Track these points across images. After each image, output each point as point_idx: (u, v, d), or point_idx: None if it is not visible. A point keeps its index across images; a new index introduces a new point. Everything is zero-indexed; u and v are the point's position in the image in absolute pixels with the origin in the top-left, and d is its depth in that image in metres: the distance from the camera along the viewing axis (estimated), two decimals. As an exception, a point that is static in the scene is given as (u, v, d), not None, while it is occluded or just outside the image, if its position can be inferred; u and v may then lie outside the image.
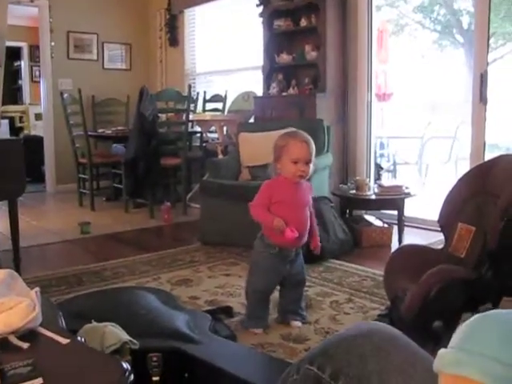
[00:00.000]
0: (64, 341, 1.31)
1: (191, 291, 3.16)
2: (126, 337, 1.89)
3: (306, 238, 2.59)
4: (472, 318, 0.78)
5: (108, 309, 2.28)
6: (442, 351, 0.77)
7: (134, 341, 1.88)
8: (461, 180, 2.78)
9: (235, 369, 1.87)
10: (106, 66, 7.56)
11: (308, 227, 2.58)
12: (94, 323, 1.94)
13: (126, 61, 7.74)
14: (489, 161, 2.77)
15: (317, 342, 2.39)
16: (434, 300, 2.24)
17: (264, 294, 2.63)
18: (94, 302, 2.48)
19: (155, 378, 1.76)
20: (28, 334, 1.34)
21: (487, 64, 4.27)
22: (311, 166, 2.48)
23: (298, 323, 2.62)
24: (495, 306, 2.34)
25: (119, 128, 6.51)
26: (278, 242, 2.52)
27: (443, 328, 2.41)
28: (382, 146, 7.11)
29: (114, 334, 1.88)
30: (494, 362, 0.70)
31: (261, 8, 5.75)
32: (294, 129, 2.74)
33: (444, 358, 0.76)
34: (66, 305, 2.50)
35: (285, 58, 5.45)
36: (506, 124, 8.24)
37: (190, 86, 5.64)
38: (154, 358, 1.80)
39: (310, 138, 2.51)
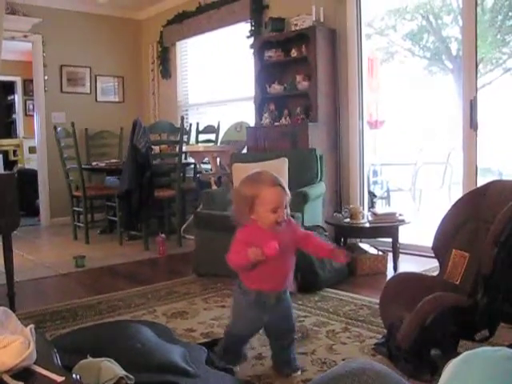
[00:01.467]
0: (59, 378, 1.31)
1: (187, 323, 3.14)
2: (121, 372, 1.88)
3: (288, 284, 2.37)
4: (458, 358, 0.79)
5: (103, 343, 2.26)
6: None
7: (130, 376, 1.88)
8: (453, 206, 2.80)
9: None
10: (99, 99, 7.62)
11: (291, 271, 2.36)
12: (90, 358, 1.94)
13: (118, 93, 7.81)
14: (480, 187, 2.79)
15: (314, 373, 2.38)
16: (430, 328, 2.24)
17: (240, 340, 2.46)
18: (89, 336, 2.47)
19: (152, 413, 1.75)
20: (22, 373, 1.33)
21: (476, 90, 4.32)
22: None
23: (294, 374, 2.40)
24: (492, 332, 2.34)
25: (113, 160, 6.54)
26: (253, 288, 2.29)
27: (441, 356, 2.41)
28: (375, 173, 7.15)
29: (110, 369, 1.87)
30: None
31: (251, 39, 5.84)
32: (256, 170, 2.31)
33: None
34: (61, 340, 2.49)
35: (276, 88, 5.50)
36: (497, 148, 8.31)
37: (182, 118, 5.68)
38: (150, 393, 1.79)
39: (276, 175, 2.24)
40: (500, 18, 9.53)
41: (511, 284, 2.28)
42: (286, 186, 2.21)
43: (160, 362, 2.14)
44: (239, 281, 2.39)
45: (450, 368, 0.79)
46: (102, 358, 1.90)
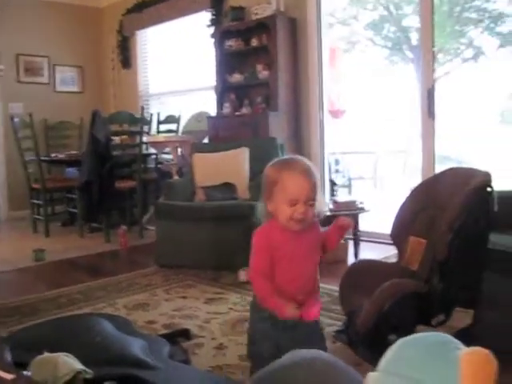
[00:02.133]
0: (9, 376, 1.28)
1: (148, 315, 3.12)
2: (79, 366, 1.85)
3: (314, 306, 1.93)
4: (396, 343, 0.81)
5: (61, 338, 2.23)
6: (369, 374, 0.80)
7: (88, 370, 1.85)
8: (411, 194, 2.83)
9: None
10: (57, 89, 7.49)
11: (316, 286, 1.97)
12: (46, 354, 1.90)
13: (78, 83, 7.68)
14: (437, 174, 2.83)
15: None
16: (388, 314, 2.26)
17: (266, 362, 1.80)
18: (46, 331, 2.42)
19: (110, 407, 1.73)
20: (-28, 371, 1.30)
21: (433, 80, 4.37)
22: (316, 204, 1.83)
23: None
24: (448, 317, 2.38)
25: (72, 152, 6.43)
26: (270, 309, 1.89)
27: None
28: (337, 162, 7.19)
29: (67, 364, 1.85)
30: (410, 381, 0.73)
31: (212, 29, 5.80)
32: (290, 155, 1.98)
33: (370, 381, 0.78)
34: (18, 336, 2.45)
35: (237, 77, 5.49)
36: (456, 136, 8.45)
37: (142, 108, 5.63)
38: (109, 387, 1.77)
39: (311, 166, 1.85)
40: (458, 9, 9.67)
41: (466, 270, 2.32)
42: (317, 180, 1.83)
43: (120, 355, 2.12)
44: (254, 296, 2.01)
45: (387, 353, 0.81)
46: (59, 353, 1.87)
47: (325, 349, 1.87)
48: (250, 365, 2.05)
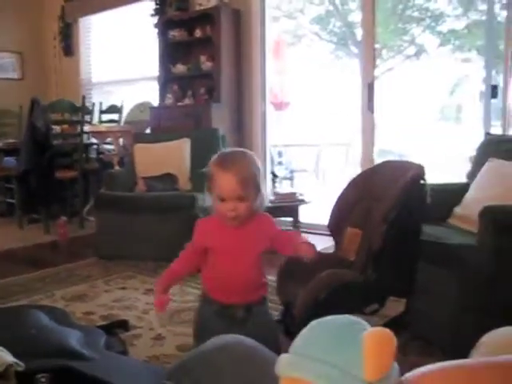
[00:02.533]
0: None
1: (86, 307, 3.09)
2: (10, 359, 1.82)
3: (253, 294, 1.97)
4: (307, 326, 0.85)
5: (-7, 330, 2.19)
6: (281, 356, 0.82)
7: (20, 362, 1.82)
8: (348, 186, 2.89)
9: (126, 383, 1.86)
10: (-5, 76, 7.26)
11: (256, 279, 1.99)
12: (-23, 347, 1.86)
13: (17, 70, 7.47)
14: (373, 167, 2.91)
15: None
16: (323, 304, 2.31)
17: None
18: (-23, 323, 2.37)
19: (44, 399, 1.71)
20: None
21: (373, 75, 4.46)
22: (251, 198, 1.81)
23: None
24: (381, 306, 2.45)
25: (10, 140, 6.26)
26: (216, 297, 1.93)
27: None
28: (280, 154, 7.25)
29: (-2, 357, 1.81)
30: (319, 363, 0.76)
31: (156, 18, 5.75)
32: (231, 149, 2.02)
33: (281, 363, 0.81)
34: None
35: (180, 68, 5.46)
36: (398, 131, 8.64)
37: (83, 97, 5.53)
38: (42, 379, 1.75)
39: (245, 161, 1.83)
40: (401, 7, 9.85)
41: (400, 260, 2.38)
42: (249, 175, 1.79)
43: (54, 346, 2.10)
44: (202, 287, 2.00)
45: (299, 336, 0.85)
46: (-10, 346, 1.83)
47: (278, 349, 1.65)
48: None
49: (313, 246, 1.89)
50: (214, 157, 1.86)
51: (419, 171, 2.31)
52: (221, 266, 1.88)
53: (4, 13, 7.23)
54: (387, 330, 0.82)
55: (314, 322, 0.87)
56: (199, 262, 1.94)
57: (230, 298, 1.90)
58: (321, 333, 0.84)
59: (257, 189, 1.83)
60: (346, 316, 0.89)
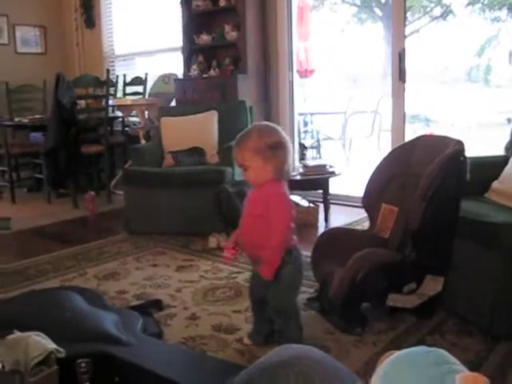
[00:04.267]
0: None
1: (119, 285, 3.09)
2: (51, 346, 1.81)
3: (257, 251, 2.11)
4: (389, 358, 0.79)
5: (31, 315, 2.19)
6: None
7: (60, 349, 1.81)
8: (383, 161, 2.83)
9: (165, 370, 1.85)
10: (19, 51, 7.22)
11: (262, 242, 2.06)
12: (17, 333, 1.86)
13: (40, 44, 7.42)
14: (410, 142, 2.82)
15: (248, 331, 2.38)
16: (361, 284, 2.28)
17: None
18: (14, 308, 2.37)
19: (85, 385, 1.72)
20: None
21: (404, 43, 4.33)
22: (262, 168, 2.03)
23: None
24: (419, 284, 2.41)
25: (37, 116, 6.25)
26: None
27: (371, 310, 2.47)
28: (305, 123, 7.16)
29: (38, 344, 1.81)
30: None
31: (178, -13, 5.64)
32: (255, 123, 2.33)
33: None
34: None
35: (204, 38, 5.37)
36: (425, 95, 8.48)
37: (108, 71, 5.49)
38: (83, 364, 1.75)
39: (247, 136, 2.07)
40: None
41: (438, 238, 2.33)
42: (246, 148, 2.04)
43: (91, 330, 2.10)
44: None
45: (382, 368, 0.79)
46: (30, 333, 1.83)
47: None
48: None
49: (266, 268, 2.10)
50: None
51: (459, 147, 2.24)
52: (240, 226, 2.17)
53: (25, -14, 7.16)
54: (481, 376, 0.76)
55: (396, 356, 0.81)
56: None
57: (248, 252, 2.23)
58: (406, 374, 0.78)
59: (264, 159, 2.03)
60: (431, 350, 0.83)
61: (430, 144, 2.52)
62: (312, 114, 7.48)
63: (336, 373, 1.03)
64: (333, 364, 1.08)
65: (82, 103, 5.77)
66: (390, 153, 2.82)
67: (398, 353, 0.81)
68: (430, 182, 2.21)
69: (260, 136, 2.04)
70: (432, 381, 0.75)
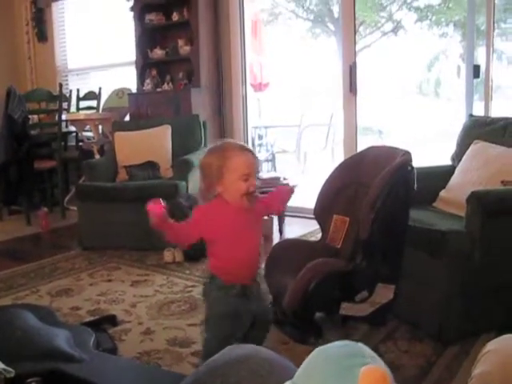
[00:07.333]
0: None
1: (72, 301, 3.05)
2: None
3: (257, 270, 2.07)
4: (310, 354, 0.83)
5: (-21, 334, 2.15)
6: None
7: (9, 368, 1.78)
8: (333, 172, 2.87)
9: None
10: (-34, 64, 7.08)
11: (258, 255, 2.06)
12: (-37, 354, 1.83)
13: (-10, 58, 7.29)
14: (359, 153, 2.87)
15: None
16: (313, 294, 2.29)
17: (230, 341, 1.81)
18: (-38, 327, 2.32)
19: (36, 404, 1.69)
20: None
21: (355, 55, 4.43)
22: None
23: None
24: (371, 293, 2.45)
25: (-13, 131, 6.14)
26: (233, 280, 1.95)
27: (324, 319, 2.50)
28: (260, 136, 7.20)
29: (-14, 364, 1.78)
30: None
31: (131, 1, 5.63)
32: (218, 141, 2.04)
33: None
34: None
35: (158, 53, 5.37)
36: (377, 108, 8.64)
37: (61, 85, 5.43)
38: (33, 383, 1.73)
39: (243, 143, 2.07)
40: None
41: (388, 247, 2.38)
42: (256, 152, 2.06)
43: (43, 348, 2.07)
44: (211, 277, 2.00)
45: (303, 364, 0.83)
46: (-23, 353, 1.80)
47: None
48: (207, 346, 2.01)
49: (291, 188, 2.14)
50: (213, 151, 1.93)
51: (406, 157, 2.29)
52: (234, 249, 1.94)
53: (-27, -1, 7.04)
54: (382, 370, 0.79)
55: (316, 351, 0.85)
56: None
57: (247, 279, 1.98)
58: (321, 365, 0.82)
59: None
60: (350, 344, 0.86)
61: (379, 154, 2.58)
62: (266, 128, 7.53)
63: (289, 372, 1.06)
64: (284, 362, 1.11)
65: (35, 118, 5.69)
66: (340, 164, 2.86)
67: (316, 348, 0.86)
68: (378, 192, 2.25)
69: None
70: (343, 371, 0.79)
